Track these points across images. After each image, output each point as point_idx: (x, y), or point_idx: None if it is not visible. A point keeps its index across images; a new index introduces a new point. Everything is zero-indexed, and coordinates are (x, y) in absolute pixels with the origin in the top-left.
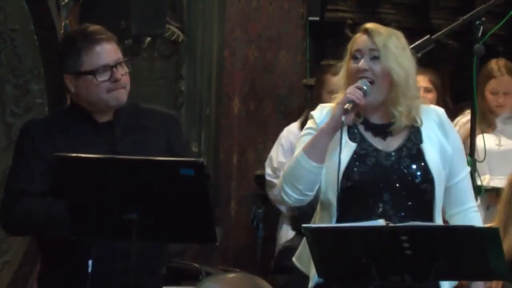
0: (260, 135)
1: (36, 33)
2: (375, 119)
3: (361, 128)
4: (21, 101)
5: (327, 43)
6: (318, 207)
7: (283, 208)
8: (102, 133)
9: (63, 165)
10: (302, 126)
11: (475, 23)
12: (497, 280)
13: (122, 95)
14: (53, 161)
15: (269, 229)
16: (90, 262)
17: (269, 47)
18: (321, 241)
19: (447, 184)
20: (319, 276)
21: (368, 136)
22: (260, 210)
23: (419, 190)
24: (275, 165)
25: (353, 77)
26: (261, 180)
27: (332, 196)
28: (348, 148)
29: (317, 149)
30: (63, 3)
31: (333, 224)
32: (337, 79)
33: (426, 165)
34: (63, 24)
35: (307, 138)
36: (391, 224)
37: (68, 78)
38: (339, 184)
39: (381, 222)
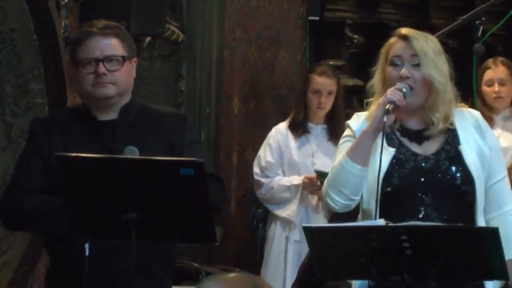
0: (260, 134)
1: (36, 33)
2: (411, 124)
3: (398, 134)
4: (21, 101)
5: (327, 42)
6: (360, 214)
7: (271, 208)
8: (100, 131)
9: (63, 164)
10: (290, 126)
11: (475, 23)
12: (497, 280)
13: (107, 90)
14: (53, 160)
15: None
16: (86, 245)
17: (269, 46)
18: (321, 241)
19: (485, 185)
20: (319, 275)
21: (405, 141)
22: (260, 210)
23: (460, 192)
24: (263, 164)
25: (393, 83)
26: None
27: (373, 202)
28: (386, 153)
29: (361, 152)
30: (63, 3)
31: (333, 224)
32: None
33: (465, 167)
34: (63, 24)
35: (347, 145)
36: (391, 224)
37: (71, 68)
38: (379, 189)
39: (381, 222)
